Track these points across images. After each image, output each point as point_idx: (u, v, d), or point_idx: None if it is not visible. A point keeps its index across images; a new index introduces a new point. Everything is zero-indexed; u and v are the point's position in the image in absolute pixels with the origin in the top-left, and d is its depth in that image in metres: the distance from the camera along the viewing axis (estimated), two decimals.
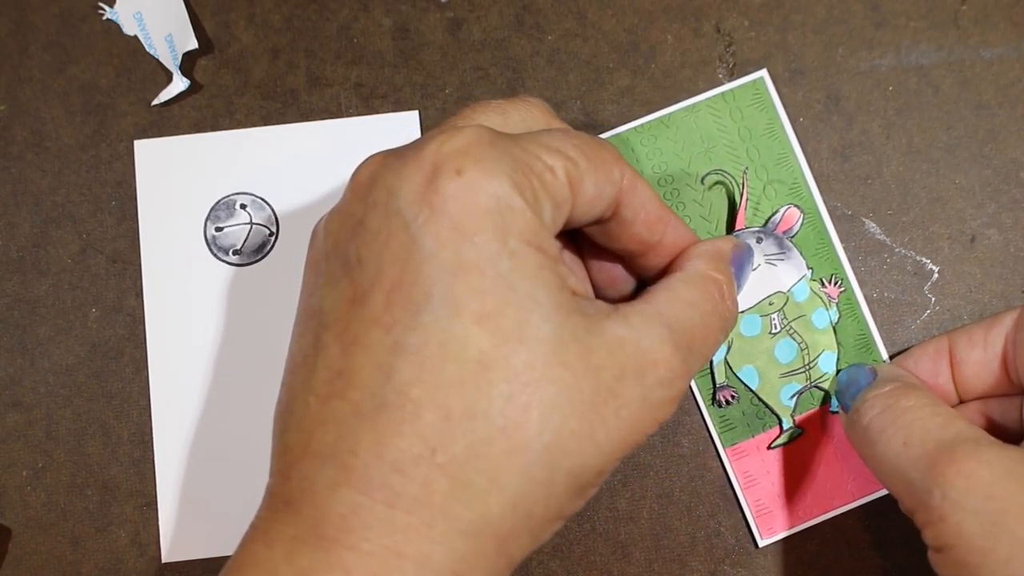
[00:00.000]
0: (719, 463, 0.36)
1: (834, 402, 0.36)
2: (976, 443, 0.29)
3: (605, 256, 0.31)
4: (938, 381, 0.34)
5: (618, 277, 0.32)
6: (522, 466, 0.24)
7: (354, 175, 0.27)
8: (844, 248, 0.36)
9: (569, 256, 0.32)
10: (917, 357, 0.34)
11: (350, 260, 0.25)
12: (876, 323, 0.36)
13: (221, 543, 0.36)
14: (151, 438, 0.37)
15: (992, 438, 0.29)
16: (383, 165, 0.26)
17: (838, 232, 0.36)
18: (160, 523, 0.36)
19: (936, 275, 0.36)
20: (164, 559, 0.36)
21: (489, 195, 0.24)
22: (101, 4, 0.38)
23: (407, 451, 0.24)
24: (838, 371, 0.36)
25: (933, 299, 0.36)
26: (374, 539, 0.24)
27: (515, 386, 0.24)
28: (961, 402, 0.34)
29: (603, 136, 0.36)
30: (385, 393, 0.24)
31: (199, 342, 0.37)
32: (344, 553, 0.24)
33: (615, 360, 0.25)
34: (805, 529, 0.36)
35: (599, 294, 0.32)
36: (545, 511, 0.25)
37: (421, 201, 0.24)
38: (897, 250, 0.36)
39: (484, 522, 0.24)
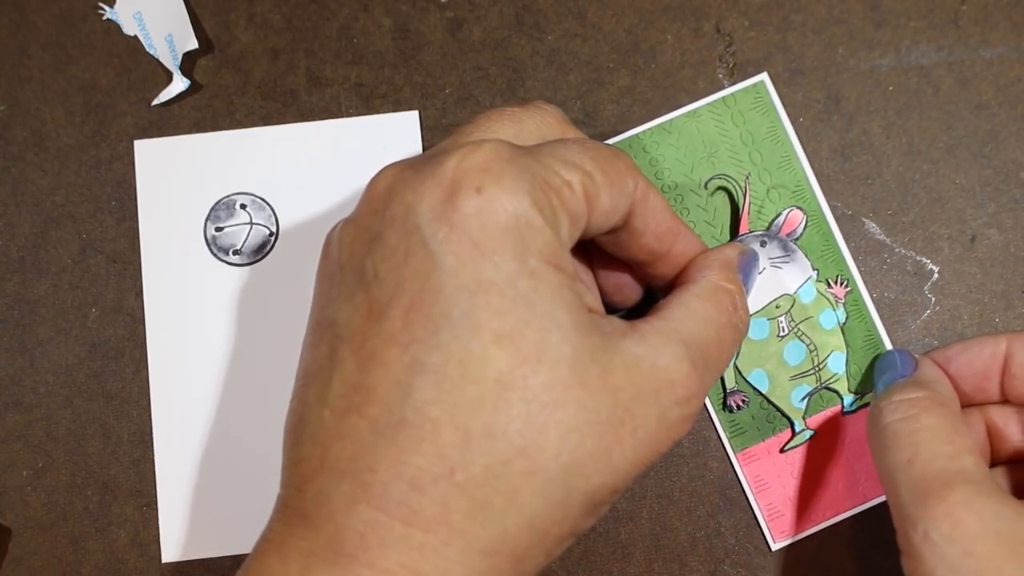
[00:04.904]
0: (719, 463, 0.36)
1: (846, 402, 0.36)
2: (976, 488, 0.27)
3: (613, 264, 0.31)
4: (986, 384, 0.32)
5: (626, 285, 0.32)
6: (540, 486, 0.24)
7: (369, 186, 0.26)
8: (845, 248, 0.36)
9: (578, 264, 0.31)
10: (972, 355, 0.33)
11: (366, 274, 0.25)
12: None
13: (221, 543, 0.36)
14: (151, 438, 0.37)
15: (996, 485, 0.27)
16: (400, 179, 0.26)
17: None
18: (160, 523, 0.36)
19: (936, 275, 0.36)
20: (164, 559, 0.36)
21: (509, 214, 0.24)
22: (101, 4, 0.38)
23: (426, 469, 0.24)
24: (846, 370, 0.36)
25: (933, 299, 0.36)
26: (392, 557, 0.24)
27: (534, 407, 0.24)
28: (1006, 402, 0.33)
29: (611, 141, 0.36)
30: (403, 411, 0.24)
31: (199, 342, 0.37)
32: (361, 570, 0.24)
33: (632, 380, 0.25)
34: None
35: (606, 300, 0.32)
36: (560, 530, 0.25)
37: (440, 219, 0.24)
38: (897, 250, 0.36)
39: (501, 541, 0.24)
